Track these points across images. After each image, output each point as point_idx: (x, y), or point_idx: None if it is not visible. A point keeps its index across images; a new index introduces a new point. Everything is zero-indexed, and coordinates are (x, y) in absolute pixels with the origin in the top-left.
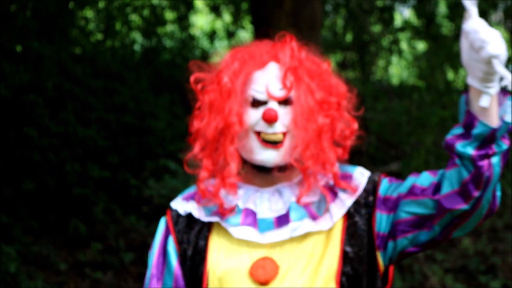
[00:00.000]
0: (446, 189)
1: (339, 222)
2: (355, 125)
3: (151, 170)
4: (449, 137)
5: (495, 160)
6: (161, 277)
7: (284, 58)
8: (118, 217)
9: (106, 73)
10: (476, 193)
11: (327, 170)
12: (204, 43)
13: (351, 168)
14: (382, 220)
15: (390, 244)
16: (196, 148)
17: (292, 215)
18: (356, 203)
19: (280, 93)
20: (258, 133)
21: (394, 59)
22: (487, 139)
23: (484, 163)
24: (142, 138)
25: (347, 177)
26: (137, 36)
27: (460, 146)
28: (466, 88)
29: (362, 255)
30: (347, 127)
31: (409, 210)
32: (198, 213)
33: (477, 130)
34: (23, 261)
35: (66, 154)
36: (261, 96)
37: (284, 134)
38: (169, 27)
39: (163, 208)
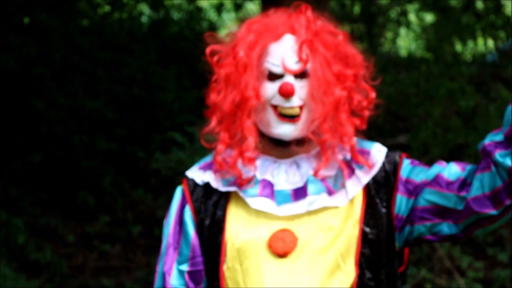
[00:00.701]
0: (476, 191)
1: (358, 200)
2: (373, 95)
3: (159, 143)
4: (487, 142)
5: None
6: (177, 246)
7: (300, 30)
8: (126, 189)
9: (113, 46)
10: (508, 201)
11: (344, 143)
12: (212, 15)
13: (369, 144)
14: (402, 203)
15: (407, 228)
16: (213, 121)
17: (310, 189)
18: (376, 183)
19: (296, 66)
20: (275, 107)
21: (402, 31)
22: None
23: None
24: (149, 111)
25: (365, 153)
26: (144, 8)
27: (499, 155)
28: None
29: (381, 237)
30: (365, 97)
31: (431, 199)
32: (216, 183)
33: None
34: (32, 232)
35: (74, 126)
36: (277, 70)
37: (301, 107)
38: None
39: (171, 180)
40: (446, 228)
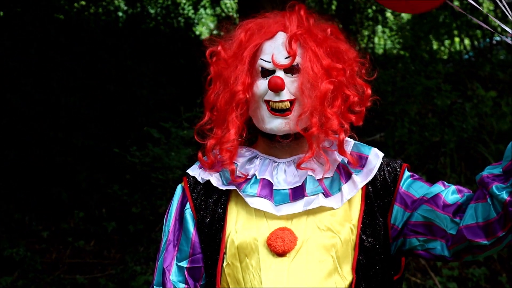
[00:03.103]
0: (469, 220)
1: (357, 205)
2: (369, 91)
3: (134, 138)
4: (485, 174)
5: None
6: (177, 243)
7: (291, 27)
8: (101, 185)
9: (89, 40)
10: (501, 233)
11: (330, 137)
12: (189, 10)
13: (367, 149)
14: (398, 214)
15: (400, 240)
16: (206, 117)
17: (308, 189)
18: (375, 191)
19: (285, 61)
20: (267, 102)
21: (379, 28)
22: None
23: None
24: (125, 106)
25: (363, 159)
26: (121, 3)
27: (496, 188)
28: None
29: (378, 245)
30: (360, 93)
31: (427, 215)
32: (216, 181)
33: None
34: (5, 229)
35: (49, 122)
36: (268, 65)
37: (293, 102)
38: None
39: (146, 176)
40: (439, 247)
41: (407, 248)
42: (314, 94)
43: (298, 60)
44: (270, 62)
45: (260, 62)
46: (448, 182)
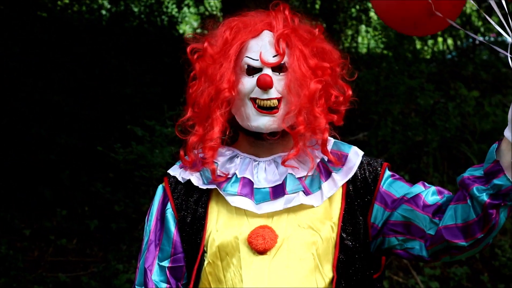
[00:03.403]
0: (448, 220)
1: (337, 203)
2: (349, 91)
3: (118, 137)
4: (466, 175)
5: (503, 211)
6: (159, 243)
7: (277, 26)
8: (83, 183)
9: (72, 39)
10: (480, 235)
11: (317, 136)
12: (172, 9)
13: (347, 147)
14: (378, 213)
15: (380, 238)
16: (189, 113)
17: (288, 187)
18: (356, 190)
19: (273, 59)
20: (253, 100)
21: (362, 28)
22: (504, 192)
23: (493, 211)
24: (109, 105)
25: (343, 157)
26: (104, 1)
27: (476, 189)
28: (500, 138)
29: (358, 244)
30: (341, 93)
31: (406, 215)
32: (197, 180)
33: (499, 181)
34: None
35: (32, 119)
36: (256, 63)
37: (279, 100)
38: None
39: (130, 174)
40: (418, 247)
41: (386, 247)
42: (303, 93)
43: (285, 59)
44: (258, 60)
45: (246, 60)
46: (430, 182)
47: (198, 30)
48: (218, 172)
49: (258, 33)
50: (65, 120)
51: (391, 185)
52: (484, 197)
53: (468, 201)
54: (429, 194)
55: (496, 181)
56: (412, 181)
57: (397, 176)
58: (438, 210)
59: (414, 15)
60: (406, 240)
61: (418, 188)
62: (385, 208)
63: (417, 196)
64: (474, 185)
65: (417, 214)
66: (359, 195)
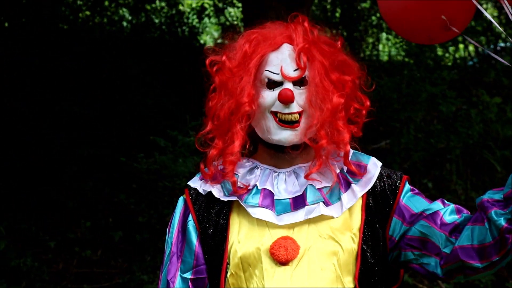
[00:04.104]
0: (464, 240)
1: (357, 215)
2: (368, 102)
3: (140, 148)
4: (486, 198)
5: None
6: (181, 255)
7: (297, 39)
8: (107, 194)
9: (94, 50)
10: (495, 258)
11: (340, 149)
12: (193, 19)
13: (366, 158)
14: (396, 226)
15: (396, 252)
16: (209, 127)
17: (309, 198)
18: (376, 202)
19: (294, 73)
20: (274, 114)
21: (383, 35)
22: None
23: (510, 236)
24: (131, 116)
25: (361, 167)
26: (125, 13)
27: (494, 213)
28: None
29: (378, 256)
30: (360, 104)
31: (423, 231)
32: (218, 192)
33: None
34: (12, 239)
35: (54, 131)
36: (276, 77)
37: (300, 114)
38: (157, 4)
39: (153, 185)
40: (433, 263)
41: (403, 260)
42: (325, 107)
43: (306, 72)
44: (279, 74)
45: (266, 73)
46: (454, 189)
47: (219, 41)
48: (239, 184)
49: (278, 46)
50: (87, 132)
51: (410, 199)
52: (502, 222)
53: (486, 223)
54: (448, 212)
55: None
56: (436, 188)
57: (417, 191)
58: (455, 229)
59: (429, 31)
60: (422, 256)
61: (437, 205)
62: (403, 222)
63: (435, 213)
64: (493, 209)
65: (434, 231)
66: (378, 207)
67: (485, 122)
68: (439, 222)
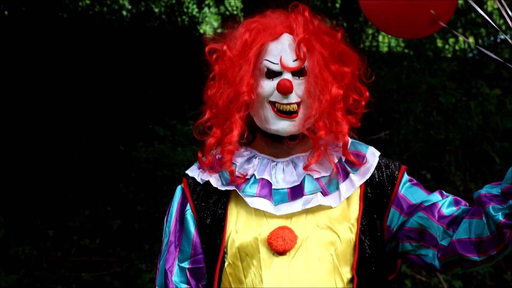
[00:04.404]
0: (462, 234)
1: (355, 205)
2: (367, 93)
3: (139, 136)
4: (483, 193)
5: None
6: (178, 244)
7: (297, 29)
8: (106, 183)
9: (94, 39)
10: (493, 252)
11: (339, 140)
12: (193, 9)
13: (364, 148)
14: (394, 217)
15: (394, 243)
16: (207, 115)
17: (306, 188)
18: (373, 192)
19: (294, 64)
20: (273, 104)
21: None
22: None
23: (507, 231)
24: (130, 105)
25: (360, 157)
26: (125, 2)
27: (492, 208)
28: None
29: (375, 246)
30: (359, 95)
31: (421, 222)
32: (216, 182)
33: None
34: (10, 227)
35: (54, 120)
36: (275, 67)
37: (299, 104)
38: None
39: (151, 174)
40: (431, 255)
41: (400, 251)
42: (324, 98)
43: (305, 63)
44: (278, 64)
45: (265, 63)
46: (452, 180)
47: (219, 30)
48: (237, 173)
49: (278, 36)
50: (86, 120)
51: (409, 190)
52: (500, 217)
53: (484, 218)
54: (446, 204)
55: None
56: (435, 180)
57: (415, 182)
58: (453, 222)
59: (416, 26)
60: (420, 247)
61: (436, 197)
62: (401, 212)
63: (433, 205)
64: (491, 204)
65: (432, 223)
66: (376, 197)
67: (484, 113)
68: (437, 215)
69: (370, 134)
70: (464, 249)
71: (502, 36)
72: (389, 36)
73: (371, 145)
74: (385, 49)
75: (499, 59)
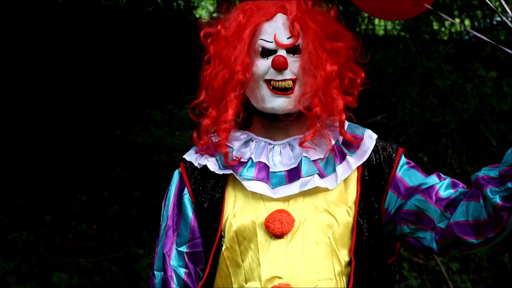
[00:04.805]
0: (459, 216)
1: (353, 188)
2: (362, 74)
3: (136, 121)
4: (481, 175)
5: None
6: (176, 228)
7: (291, 8)
8: (103, 168)
9: (89, 24)
10: (491, 235)
11: (335, 116)
12: None
13: (361, 130)
14: (391, 199)
15: (392, 226)
16: (202, 96)
17: (303, 170)
18: (371, 175)
19: (288, 41)
20: (268, 82)
21: None
22: None
23: (505, 213)
24: (127, 90)
25: (357, 139)
26: None
27: (489, 190)
28: None
29: (373, 229)
30: (355, 75)
31: (419, 205)
32: (213, 166)
33: None
34: (8, 213)
35: (52, 105)
36: (270, 45)
37: (294, 81)
38: None
39: (149, 158)
40: (428, 237)
41: (398, 234)
42: (319, 74)
43: (299, 40)
44: (272, 42)
45: (260, 42)
46: (449, 163)
47: (214, 15)
48: (231, 156)
49: (272, 16)
50: (84, 105)
51: (406, 173)
52: (497, 199)
53: (481, 200)
54: (443, 187)
55: (510, 185)
56: (431, 163)
57: (413, 164)
58: (450, 204)
59: (400, 8)
60: (418, 230)
61: (433, 179)
62: (398, 195)
63: (431, 187)
64: (488, 186)
65: (429, 206)
66: (373, 180)
67: (481, 96)
68: (434, 197)
69: (367, 117)
70: (462, 232)
71: (498, 18)
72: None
73: (368, 128)
74: (381, 32)
75: (491, 42)
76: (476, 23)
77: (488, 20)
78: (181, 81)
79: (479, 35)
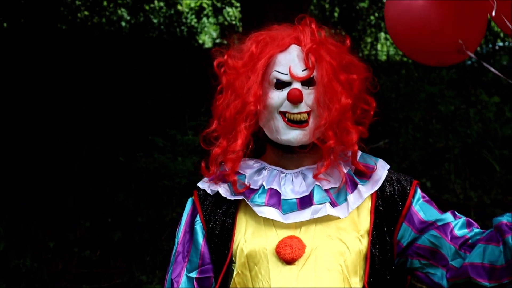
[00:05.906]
0: (475, 258)
1: (366, 216)
2: (374, 104)
3: (140, 147)
4: (505, 221)
5: None
6: (187, 254)
7: (305, 40)
8: (106, 194)
9: (93, 50)
10: (506, 280)
11: (348, 149)
12: (192, 19)
13: (374, 160)
14: (405, 232)
15: (403, 258)
16: (214, 125)
17: (315, 198)
18: (384, 205)
19: (303, 73)
20: (283, 114)
21: (381, 35)
22: None
23: None
24: (130, 115)
25: (369, 169)
26: (124, 13)
27: (511, 238)
28: None
29: (385, 259)
30: (368, 106)
31: (434, 241)
32: (225, 192)
33: None
34: (12, 239)
35: (54, 131)
36: (285, 77)
37: (309, 113)
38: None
39: (152, 184)
40: (439, 274)
41: (408, 267)
42: (334, 107)
43: (314, 72)
44: (287, 74)
45: (274, 74)
46: (452, 188)
47: (218, 41)
48: (240, 183)
49: (286, 47)
50: (86, 131)
51: (421, 206)
52: None
53: (501, 246)
54: (459, 225)
55: None
56: (434, 188)
57: (427, 198)
58: (465, 243)
59: (441, 53)
60: (429, 265)
61: (449, 217)
62: (412, 228)
63: (447, 225)
64: (511, 234)
65: (444, 243)
66: (387, 211)
67: (483, 121)
68: (449, 235)
69: (370, 143)
70: (476, 274)
71: (501, 43)
72: (388, 44)
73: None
74: (384, 57)
75: (495, 71)
76: (478, 48)
77: (490, 45)
78: (184, 106)
79: (485, 64)
